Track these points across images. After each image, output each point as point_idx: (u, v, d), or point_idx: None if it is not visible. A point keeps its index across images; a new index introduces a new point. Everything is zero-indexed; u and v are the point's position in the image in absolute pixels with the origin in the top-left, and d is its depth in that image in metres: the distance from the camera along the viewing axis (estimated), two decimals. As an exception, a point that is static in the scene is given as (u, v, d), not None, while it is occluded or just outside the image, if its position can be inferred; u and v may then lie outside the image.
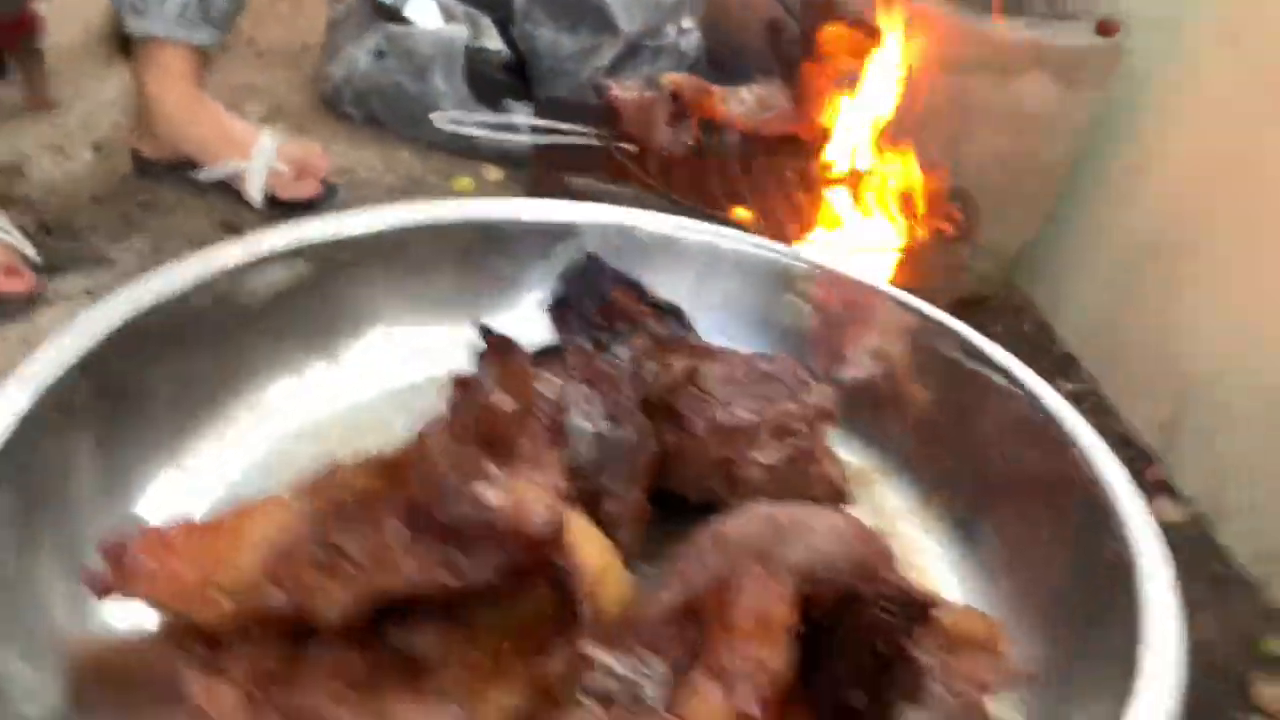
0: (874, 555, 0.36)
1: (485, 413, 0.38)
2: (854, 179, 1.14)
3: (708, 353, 0.49)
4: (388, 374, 0.50)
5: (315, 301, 0.51)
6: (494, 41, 1.95)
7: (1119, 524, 0.39)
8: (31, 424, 0.39)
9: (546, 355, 0.48)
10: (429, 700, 0.33)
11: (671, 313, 0.51)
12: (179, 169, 1.49)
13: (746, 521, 0.37)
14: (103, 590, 0.37)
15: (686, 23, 2.12)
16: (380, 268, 0.52)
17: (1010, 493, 0.46)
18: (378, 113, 1.85)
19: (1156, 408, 1.42)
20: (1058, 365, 1.60)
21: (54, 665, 0.38)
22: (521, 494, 0.34)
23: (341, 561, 0.34)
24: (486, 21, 1.99)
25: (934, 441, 0.50)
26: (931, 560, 0.47)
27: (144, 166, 1.51)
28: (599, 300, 0.51)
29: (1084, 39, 1.34)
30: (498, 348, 0.41)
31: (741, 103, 1.16)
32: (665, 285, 0.51)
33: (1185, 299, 1.40)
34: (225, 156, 1.47)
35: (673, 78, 1.16)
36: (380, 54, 1.88)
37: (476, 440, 0.38)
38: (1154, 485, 1.38)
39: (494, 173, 1.65)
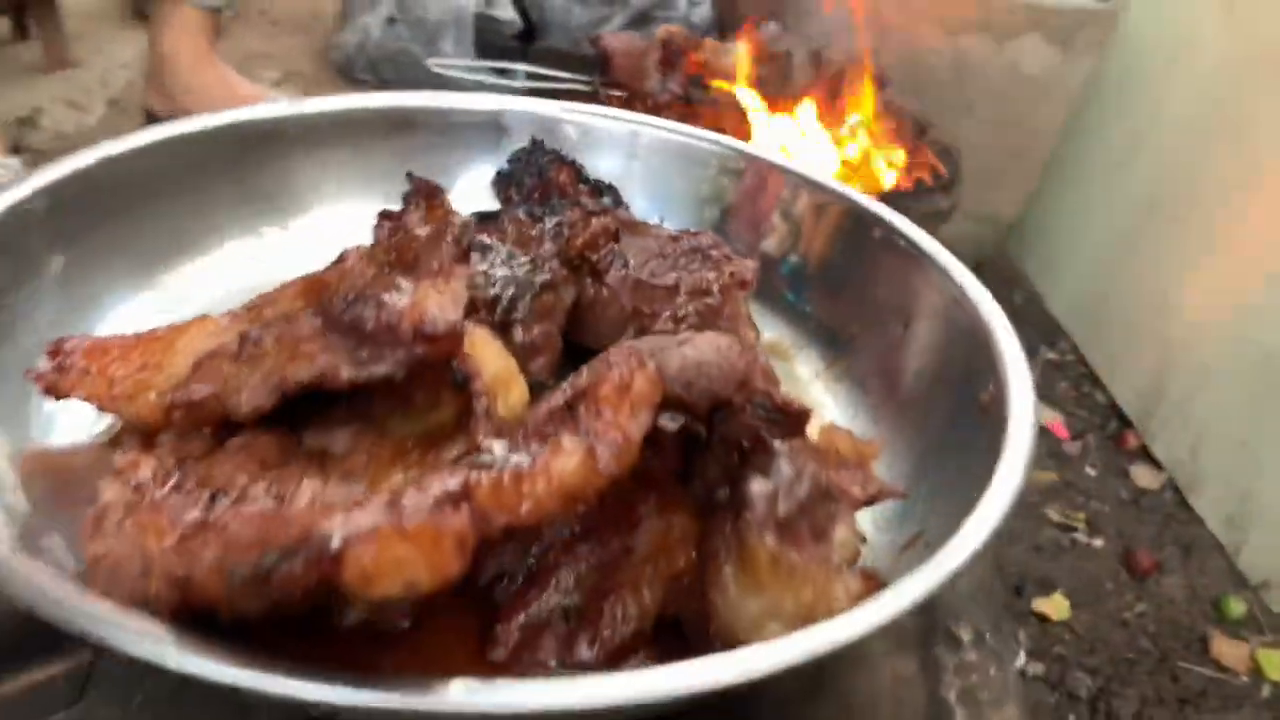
0: (751, 369, 0.39)
1: (402, 238, 0.41)
2: (840, 128, 1.17)
3: (635, 225, 0.52)
4: (334, 241, 0.53)
5: (271, 175, 0.55)
6: (505, 11, 1.99)
7: (999, 373, 0.42)
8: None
9: (485, 220, 0.51)
10: (333, 479, 0.36)
11: (607, 190, 0.54)
12: (190, 125, 1.52)
13: (640, 340, 0.40)
14: (47, 388, 0.40)
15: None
16: (330, 148, 0.56)
17: (903, 352, 0.48)
18: (389, 79, 1.89)
19: (1139, 375, 1.44)
20: (1044, 335, 1.61)
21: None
22: (423, 298, 0.37)
23: (257, 352, 0.37)
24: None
25: (841, 313, 0.53)
26: (829, 414, 0.49)
27: (155, 122, 1.55)
28: (538, 176, 0.54)
29: (1080, 2, 1.36)
30: (421, 189, 0.44)
31: (730, 55, 1.19)
32: (602, 168, 0.55)
33: (1170, 264, 1.41)
34: (235, 113, 1.51)
35: (666, 28, 1.18)
36: (392, 21, 1.92)
37: (392, 262, 0.41)
38: (1133, 452, 1.40)
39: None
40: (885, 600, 0.30)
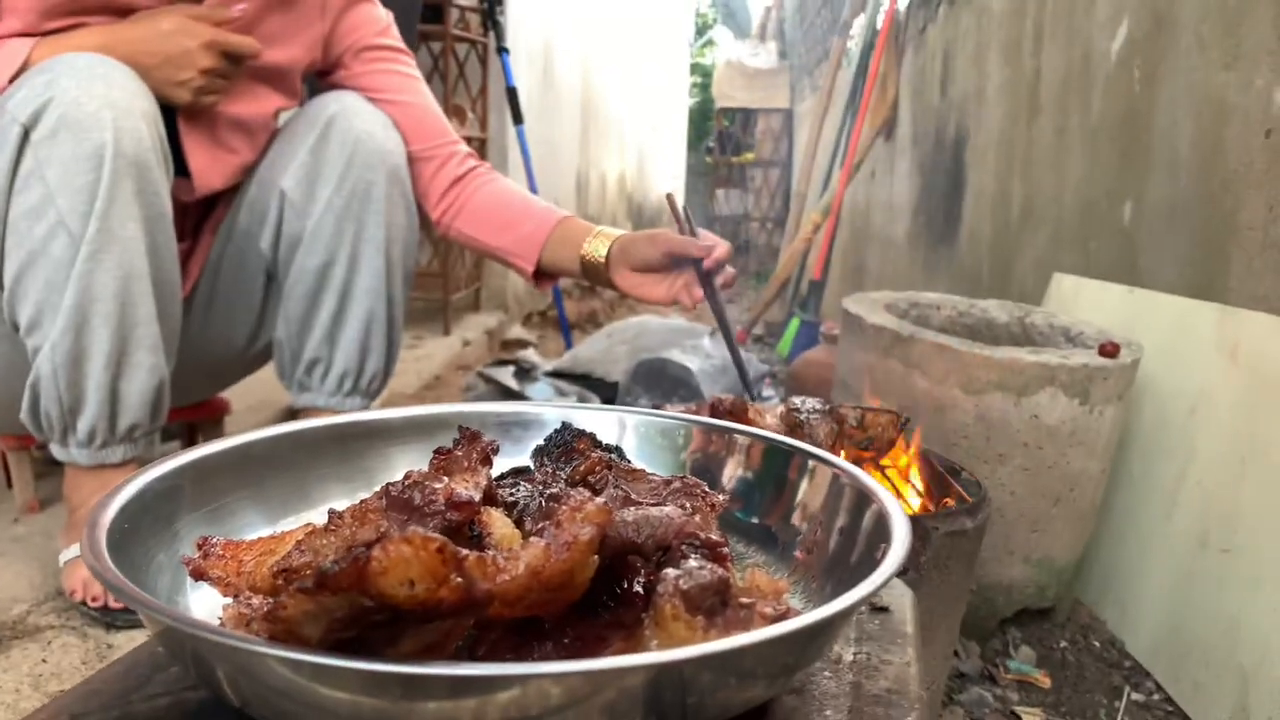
0: (688, 524, 0.53)
1: (447, 459, 0.59)
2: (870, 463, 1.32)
3: (634, 472, 0.67)
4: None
5: (364, 457, 0.74)
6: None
7: (889, 538, 0.55)
8: (149, 495, 0.61)
9: (519, 473, 0.68)
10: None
11: (614, 450, 0.70)
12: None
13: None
14: (193, 570, 0.57)
15: (766, 392, 2.42)
16: (411, 439, 0.76)
17: (839, 544, 0.62)
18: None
19: (1222, 705, 1.44)
20: (1128, 677, 1.62)
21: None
22: (454, 484, 0.54)
23: (339, 524, 0.53)
24: (594, 398, 2.33)
25: (797, 531, 0.67)
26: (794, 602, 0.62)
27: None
28: (564, 447, 0.71)
29: (1089, 360, 1.54)
30: (466, 434, 0.61)
31: (774, 416, 1.38)
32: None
33: (1230, 595, 1.47)
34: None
35: (717, 395, 1.39)
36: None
37: (438, 471, 0.58)
38: (1229, 781, 1.37)
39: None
40: (758, 631, 0.43)
